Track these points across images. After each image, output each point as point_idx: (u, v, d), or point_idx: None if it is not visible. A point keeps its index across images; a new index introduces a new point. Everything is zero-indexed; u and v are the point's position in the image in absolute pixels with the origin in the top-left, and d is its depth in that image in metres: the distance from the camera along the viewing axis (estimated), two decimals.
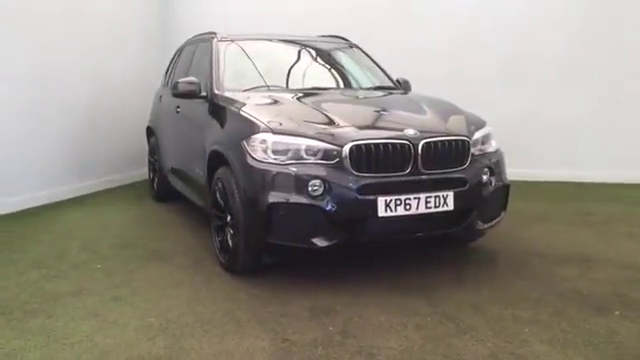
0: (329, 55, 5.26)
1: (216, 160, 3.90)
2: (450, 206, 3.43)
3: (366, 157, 3.30)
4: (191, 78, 4.47)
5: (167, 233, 4.84)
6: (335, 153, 3.30)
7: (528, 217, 5.26)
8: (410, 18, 7.62)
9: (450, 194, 3.42)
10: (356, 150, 3.29)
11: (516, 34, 7.26)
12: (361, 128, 3.51)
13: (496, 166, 3.79)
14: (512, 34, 7.25)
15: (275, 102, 4.05)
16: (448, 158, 3.49)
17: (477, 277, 3.67)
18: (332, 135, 3.38)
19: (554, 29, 7.11)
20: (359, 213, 3.30)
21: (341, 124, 3.51)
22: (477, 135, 3.76)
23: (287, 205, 3.28)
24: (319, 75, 4.92)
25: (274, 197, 3.29)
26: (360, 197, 3.25)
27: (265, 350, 2.68)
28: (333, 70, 5.10)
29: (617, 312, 3.10)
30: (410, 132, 3.44)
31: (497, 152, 3.92)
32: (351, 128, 3.47)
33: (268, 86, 4.47)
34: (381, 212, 3.27)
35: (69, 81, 6.34)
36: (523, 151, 7.27)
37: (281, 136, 3.40)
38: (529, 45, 7.24)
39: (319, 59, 5.18)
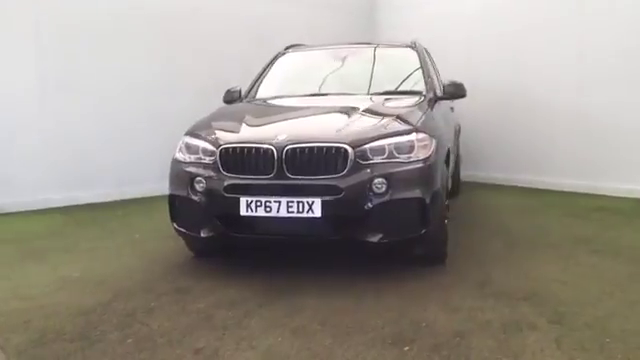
0: (376, 60, 5.29)
1: None
2: (317, 213, 3.41)
3: (233, 159, 3.60)
4: (236, 87, 5.20)
5: None
6: (214, 154, 3.68)
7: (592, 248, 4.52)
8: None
9: (317, 201, 3.41)
10: (225, 152, 3.62)
11: None
12: (245, 133, 3.79)
13: (403, 177, 3.48)
14: None
15: (251, 109, 4.51)
16: (319, 165, 3.46)
17: (366, 295, 3.50)
18: (216, 138, 3.76)
19: None
20: (226, 210, 3.62)
21: (238, 129, 3.84)
22: (379, 143, 3.52)
23: (179, 198, 3.85)
24: (339, 81, 5.05)
25: (173, 189, 3.91)
26: (227, 195, 3.57)
27: (88, 309, 3.30)
28: (362, 76, 5.07)
29: (406, 348, 2.73)
30: (280, 138, 3.54)
31: (412, 163, 3.52)
32: (233, 132, 3.79)
33: (287, 94, 4.94)
34: (243, 211, 3.52)
35: None
36: None
37: (191, 138, 3.95)
38: None
39: (360, 65, 5.28)
